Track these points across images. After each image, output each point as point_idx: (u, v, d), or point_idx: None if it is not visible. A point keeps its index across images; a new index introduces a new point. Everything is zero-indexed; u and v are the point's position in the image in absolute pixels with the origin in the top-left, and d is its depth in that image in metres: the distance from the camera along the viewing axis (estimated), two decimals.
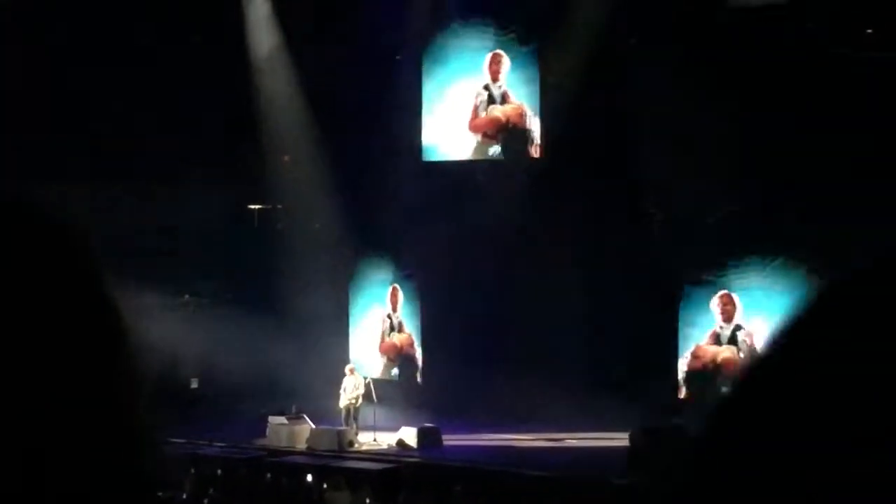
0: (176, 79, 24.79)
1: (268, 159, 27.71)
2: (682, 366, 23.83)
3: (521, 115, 25.59)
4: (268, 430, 22.52)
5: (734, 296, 23.47)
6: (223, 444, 21.79)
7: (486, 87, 26.05)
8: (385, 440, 22.15)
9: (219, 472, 20.08)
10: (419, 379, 26.75)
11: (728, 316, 23.59)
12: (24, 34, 23.68)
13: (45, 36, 23.81)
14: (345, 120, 26.57)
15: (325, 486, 19.50)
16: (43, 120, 23.37)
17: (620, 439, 19.68)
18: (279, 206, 28.45)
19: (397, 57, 26.67)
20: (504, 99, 25.85)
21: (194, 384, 25.52)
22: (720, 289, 23.65)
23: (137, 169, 24.34)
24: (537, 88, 25.40)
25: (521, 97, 25.67)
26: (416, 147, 26.67)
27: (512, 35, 25.44)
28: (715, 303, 23.63)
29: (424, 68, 26.70)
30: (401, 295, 27.21)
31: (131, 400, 0.97)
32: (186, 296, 26.56)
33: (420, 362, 26.82)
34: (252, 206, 28.38)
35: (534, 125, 25.43)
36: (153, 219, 24.41)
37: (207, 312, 25.47)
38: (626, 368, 22.88)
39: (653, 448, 18.37)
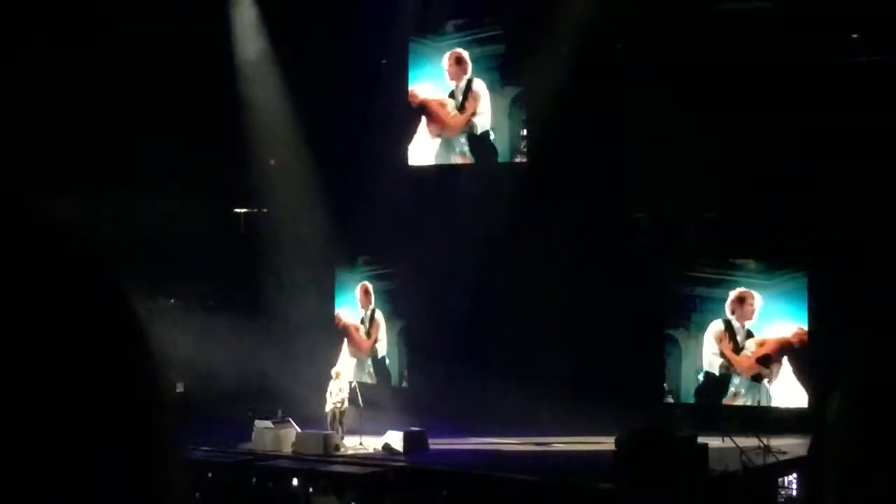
0: (161, 83, 24.75)
1: (253, 163, 27.68)
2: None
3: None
4: (253, 435, 22.49)
5: (754, 294, 23.45)
6: (209, 448, 21.74)
7: (452, 94, 26.24)
8: (371, 444, 22.13)
9: (208, 475, 20.06)
10: (404, 383, 26.75)
11: (744, 313, 23.62)
12: (11, 42, 23.60)
13: (31, 43, 23.74)
14: (331, 123, 26.57)
15: (311, 490, 19.49)
16: (26, 127, 23.29)
17: (607, 443, 19.69)
18: (265, 210, 28.42)
19: (383, 61, 26.69)
20: (464, 100, 26.01)
21: (180, 388, 25.43)
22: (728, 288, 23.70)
23: (121, 173, 24.27)
24: (522, 93, 25.45)
25: (505, 101, 25.74)
26: (403, 151, 26.69)
27: (498, 41, 25.46)
28: (730, 299, 23.63)
29: (410, 72, 26.71)
30: (373, 296, 27.28)
31: (154, 404, 0.96)
32: (172, 300, 26.51)
33: (397, 364, 26.90)
34: (238, 210, 28.35)
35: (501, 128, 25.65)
36: (137, 223, 24.32)
37: (193, 316, 25.40)
38: (614, 371, 22.89)
39: (639, 452, 18.38)
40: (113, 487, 0.89)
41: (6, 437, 0.84)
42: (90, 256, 0.95)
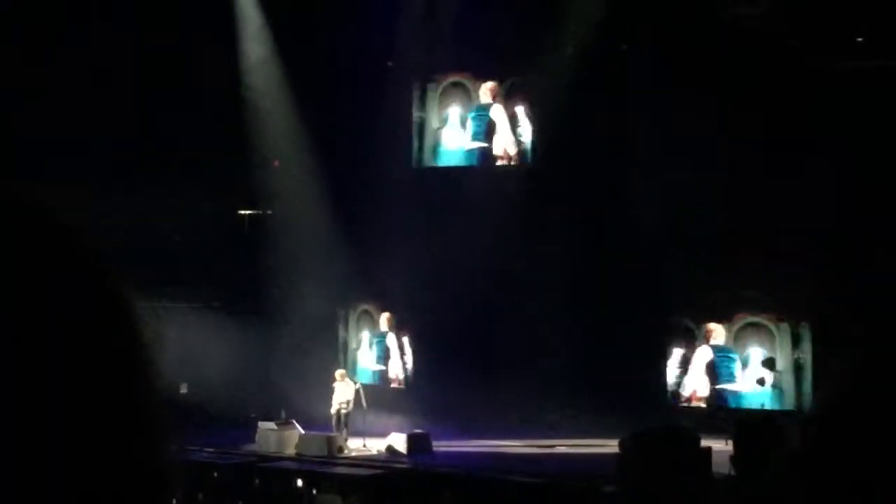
0: (167, 85, 24.77)
1: (258, 164, 27.69)
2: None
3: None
4: (257, 436, 22.50)
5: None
6: (212, 450, 21.75)
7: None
8: (375, 446, 22.13)
9: (214, 475, 20.09)
10: (407, 384, 26.75)
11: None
12: (23, 41, 23.64)
13: (42, 44, 23.77)
14: (336, 125, 26.57)
15: (314, 491, 19.50)
16: (30, 124, 23.28)
17: (611, 445, 19.67)
18: (269, 212, 28.42)
19: (389, 63, 26.70)
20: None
21: (183, 389, 25.45)
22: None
23: (124, 174, 24.27)
24: (530, 98, 25.57)
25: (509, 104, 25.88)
26: (408, 152, 26.71)
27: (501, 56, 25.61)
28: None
29: (415, 75, 26.75)
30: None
31: (150, 400, 0.96)
32: (175, 300, 26.47)
33: (409, 367, 26.90)
34: (242, 212, 28.35)
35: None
36: (142, 224, 24.34)
37: (197, 317, 25.41)
38: (619, 374, 22.87)
39: (643, 454, 18.35)
40: (104, 479, 0.90)
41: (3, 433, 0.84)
42: (86, 251, 0.96)
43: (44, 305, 0.90)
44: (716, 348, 23.85)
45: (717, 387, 23.79)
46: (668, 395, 24.13)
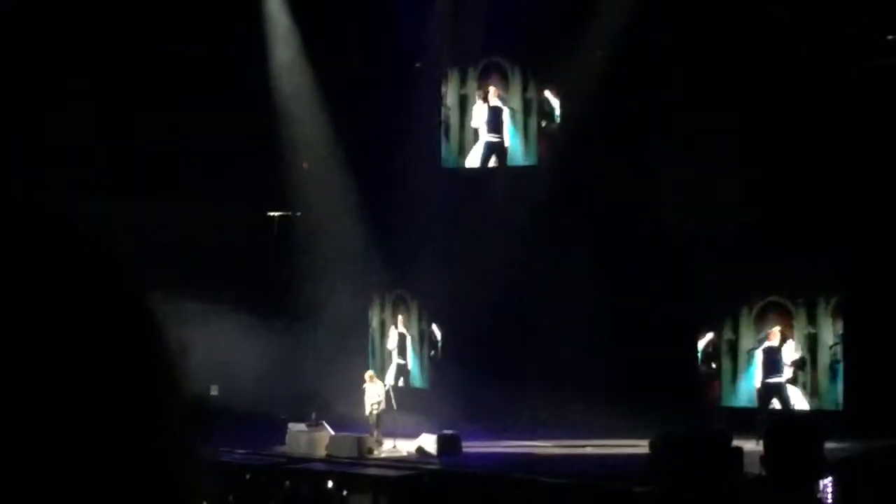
0: (196, 89, 24.86)
1: (287, 167, 27.75)
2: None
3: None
4: (287, 438, 22.54)
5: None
6: (243, 451, 21.81)
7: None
8: (405, 447, 22.15)
9: (246, 476, 20.16)
10: (432, 385, 26.80)
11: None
12: (54, 47, 23.78)
13: (70, 49, 23.90)
14: (364, 126, 26.63)
15: (345, 492, 19.54)
16: (66, 133, 23.43)
17: (640, 446, 19.63)
18: (298, 213, 28.47)
19: (417, 65, 26.73)
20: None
21: (214, 391, 25.52)
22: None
23: (155, 178, 24.39)
24: (553, 94, 25.60)
25: (533, 103, 26.03)
26: (436, 153, 26.75)
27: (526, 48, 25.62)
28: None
29: (443, 76, 26.79)
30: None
31: (170, 403, 0.95)
32: (205, 303, 26.53)
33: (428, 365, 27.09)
34: (271, 214, 28.42)
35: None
36: (171, 226, 24.44)
37: (226, 319, 25.46)
38: (646, 373, 22.81)
39: (673, 454, 18.31)
40: (128, 486, 0.89)
41: (22, 437, 0.84)
42: (107, 256, 0.95)
43: (60, 305, 0.89)
44: (771, 349, 23.76)
45: (766, 381, 23.69)
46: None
